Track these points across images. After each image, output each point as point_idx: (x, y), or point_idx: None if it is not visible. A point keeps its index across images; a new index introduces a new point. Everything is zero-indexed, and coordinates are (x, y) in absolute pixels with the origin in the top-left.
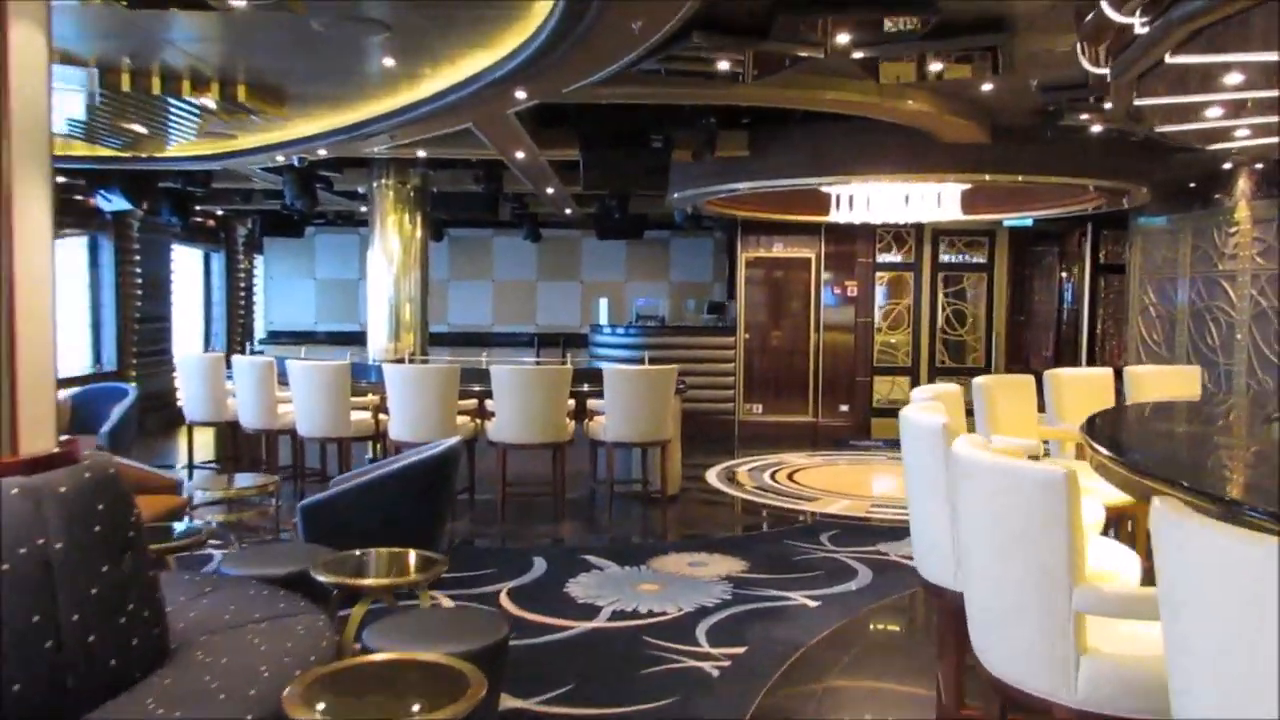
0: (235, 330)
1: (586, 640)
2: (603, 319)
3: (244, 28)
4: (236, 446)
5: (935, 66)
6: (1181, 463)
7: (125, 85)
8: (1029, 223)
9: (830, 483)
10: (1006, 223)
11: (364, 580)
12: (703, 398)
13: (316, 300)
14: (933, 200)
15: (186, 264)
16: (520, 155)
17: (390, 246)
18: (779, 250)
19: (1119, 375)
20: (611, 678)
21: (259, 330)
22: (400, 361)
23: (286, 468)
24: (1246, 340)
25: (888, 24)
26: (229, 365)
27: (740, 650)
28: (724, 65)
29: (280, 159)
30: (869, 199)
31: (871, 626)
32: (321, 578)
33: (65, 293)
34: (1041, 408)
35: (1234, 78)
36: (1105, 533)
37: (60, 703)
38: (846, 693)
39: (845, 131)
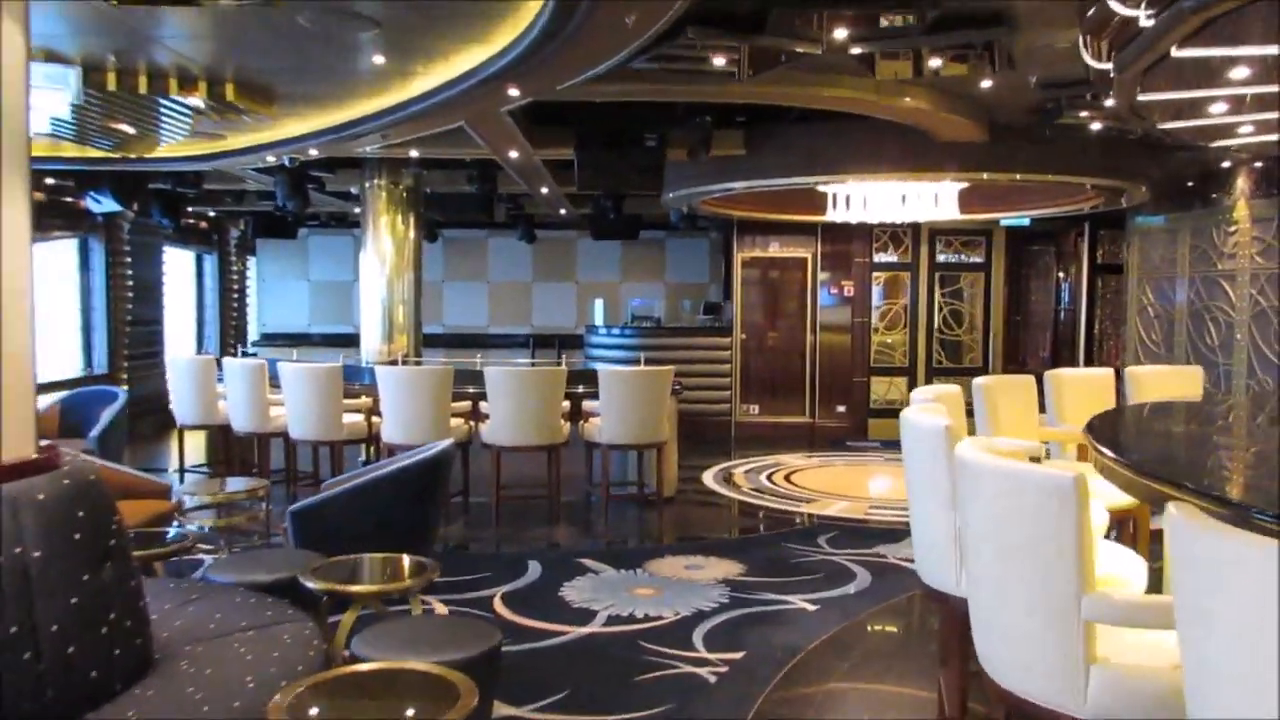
0: (228, 332)
1: (582, 646)
2: (598, 320)
3: (231, 25)
4: (228, 450)
5: (933, 63)
6: (1189, 465)
7: (111, 84)
8: (1026, 222)
9: (828, 484)
10: (1003, 222)
11: (354, 587)
12: (699, 399)
13: (310, 302)
14: (930, 199)
15: (179, 266)
16: (514, 154)
17: (383, 248)
18: (775, 250)
19: (1119, 376)
20: (607, 684)
21: (252, 332)
22: (393, 363)
23: (279, 471)
24: (1246, 340)
25: (885, 19)
26: (220, 368)
27: (738, 655)
28: (719, 61)
29: (271, 159)
30: (865, 198)
31: (871, 630)
32: (310, 584)
33: (56, 295)
34: (1042, 408)
35: (1240, 72)
36: (1107, 536)
37: (39, 715)
38: (846, 698)
39: (842, 130)
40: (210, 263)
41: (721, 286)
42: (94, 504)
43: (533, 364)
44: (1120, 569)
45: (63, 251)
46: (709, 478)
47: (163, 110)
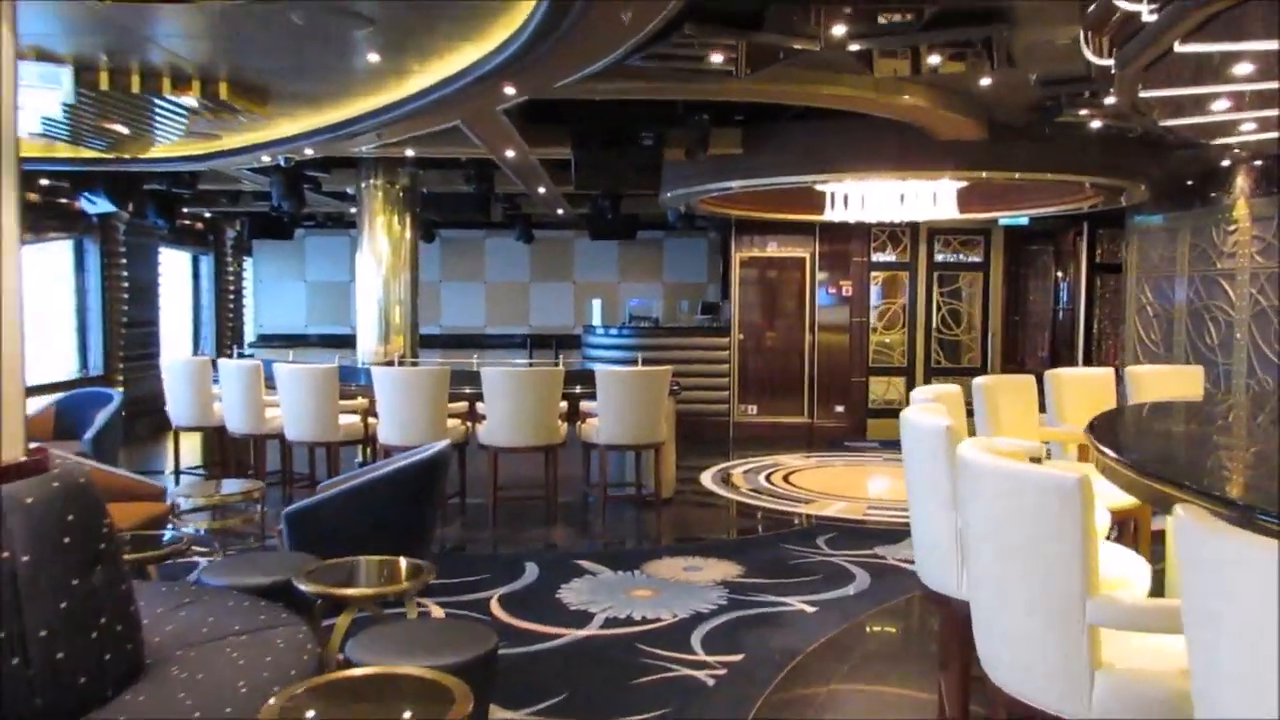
0: (225, 334)
1: (579, 648)
2: (596, 320)
3: (224, 23)
4: (224, 452)
5: (932, 60)
6: (1193, 465)
7: (104, 84)
8: (1025, 222)
9: (826, 485)
10: (1002, 222)
11: (347, 590)
12: (697, 399)
13: (307, 303)
14: (928, 198)
15: (175, 267)
16: (511, 154)
17: (379, 248)
18: (773, 250)
19: (1118, 376)
20: (604, 687)
21: (249, 334)
22: (390, 364)
23: (275, 473)
24: (1246, 339)
25: (883, 16)
26: (215, 369)
27: (736, 658)
28: (717, 59)
29: (266, 159)
30: (864, 197)
31: (870, 632)
32: (304, 587)
33: (51, 297)
34: (1042, 408)
35: (1243, 67)
36: (1107, 537)
37: None
38: (845, 700)
39: (840, 128)
40: (206, 264)
41: (719, 286)
42: (84, 507)
43: (530, 364)
44: (1123, 571)
45: (58, 253)
46: (707, 478)
47: (157, 110)
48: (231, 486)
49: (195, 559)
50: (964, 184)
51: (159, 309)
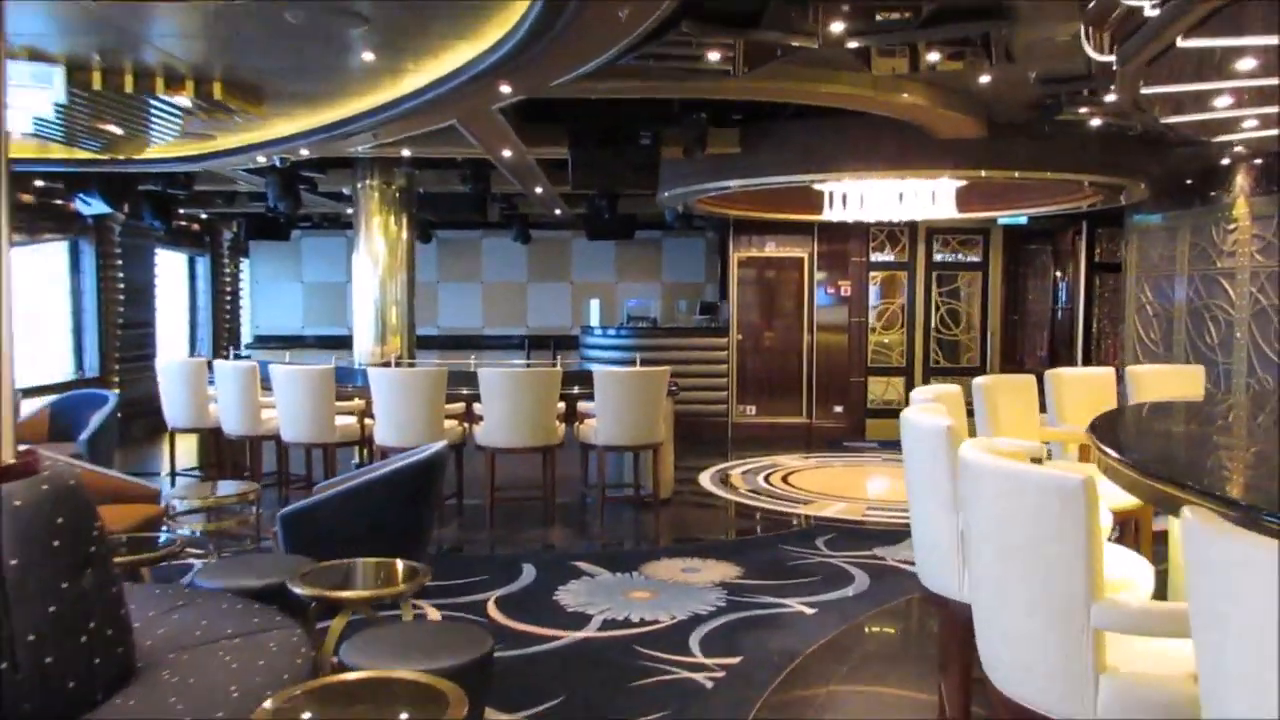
0: (221, 335)
1: (576, 650)
2: (594, 320)
3: (218, 23)
4: (220, 453)
5: (931, 57)
6: (1195, 466)
7: (97, 83)
8: (1023, 221)
9: (825, 485)
10: (1001, 221)
11: (342, 593)
12: (695, 399)
13: (304, 304)
14: (927, 197)
15: (171, 268)
16: (507, 153)
17: (375, 248)
18: (771, 250)
19: (1118, 375)
20: (602, 690)
21: (246, 335)
22: (386, 365)
23: (271, 474)
24: (1246, 339)
25: (881, 13)
26: (211, 370)
27: (735, 660)
28: (714, 57)
29: (261, 159)
30: (862, 197)
31: (869, 633)
32: (298, 590)
33: (46, 298)
34: (1042, 408)
35: (1246, 63)
36: (1109, 538)
37: None
38: (845, 702)
39: (838, 127)
40: (203, 265)
41: (717, 286)
42: (74, 510)
43: (528, 365)
44: (1126, 573)
45: (53, 254)
46: (705, 479)
47: (151, 110)
48: (227, 488)
49: (190, 561)
50: (963, 183)
51: (155, 310)
